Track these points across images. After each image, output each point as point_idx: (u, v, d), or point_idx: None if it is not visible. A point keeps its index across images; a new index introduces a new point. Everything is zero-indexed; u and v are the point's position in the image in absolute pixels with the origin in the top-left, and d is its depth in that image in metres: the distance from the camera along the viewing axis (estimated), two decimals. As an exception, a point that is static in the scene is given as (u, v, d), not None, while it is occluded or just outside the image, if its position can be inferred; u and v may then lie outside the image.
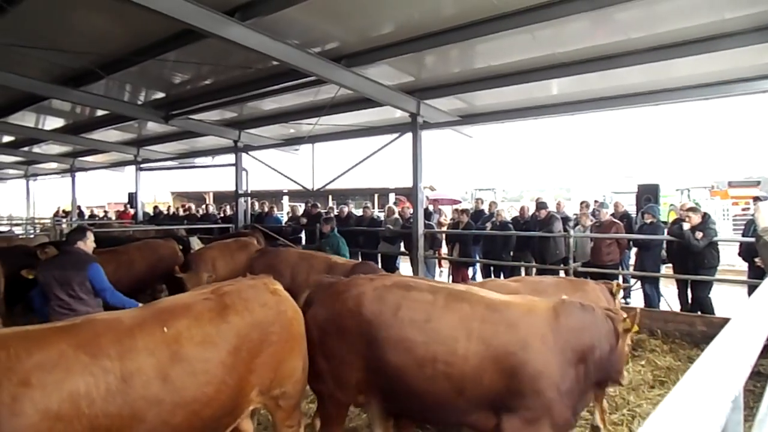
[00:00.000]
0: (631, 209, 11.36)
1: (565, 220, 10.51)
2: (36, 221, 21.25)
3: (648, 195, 10.22)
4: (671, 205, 17.35)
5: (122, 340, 2.52)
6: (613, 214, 10.02)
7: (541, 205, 10.27)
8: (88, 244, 4.99)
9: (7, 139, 16.30)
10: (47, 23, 6.74)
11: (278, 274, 6.28)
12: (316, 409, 3.74)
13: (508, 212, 12.53)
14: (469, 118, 10.61)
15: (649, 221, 8.72)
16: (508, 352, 3.00)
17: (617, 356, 3.30)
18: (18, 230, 19.77)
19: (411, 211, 10.54)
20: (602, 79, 7.79)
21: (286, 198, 21.97)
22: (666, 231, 8.53)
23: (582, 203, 11.30)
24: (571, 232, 9.25)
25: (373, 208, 17.65)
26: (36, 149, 17.57)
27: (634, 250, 9.77)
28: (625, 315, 3.36)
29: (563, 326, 3.09)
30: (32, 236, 14.31)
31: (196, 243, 9.57)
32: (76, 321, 2.64)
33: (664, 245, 8.52)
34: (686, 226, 7.62)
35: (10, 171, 23.45)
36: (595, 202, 12.90)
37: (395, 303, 3.19)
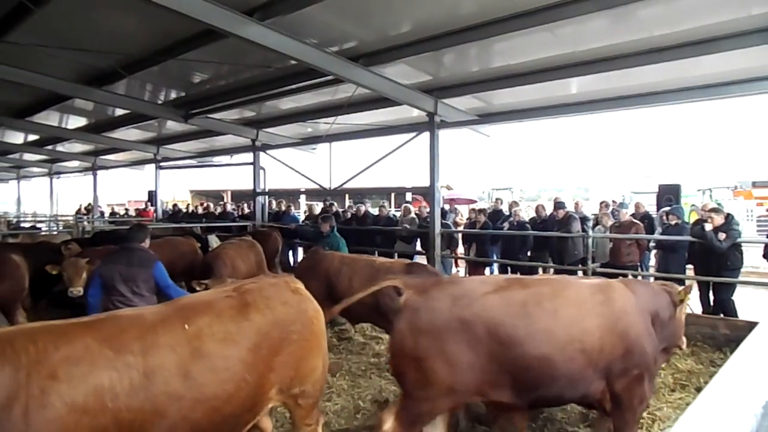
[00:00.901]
0: (651, 209, 11.20)
1: (584, 220, 10.40)
2: (59, 218, 21.66)
3: (669, 195, 10.08)
4: (693, 205, 17.07)
5: (145, 336, 2.56)
6: (633, 215, 9.89)
7: (559, 204, 10.17)
8: (147, 242, 5.14)
9: (32, 137, 16.63)
10: (71, 23, 6.88)
11: (318, 277, 6.34)
12: (395, 410, 3.43)
13: (525, 212, 12.45)
14: (487, 117, 10.56)
15: (674, 222, 8.56)
16: (619, 320, 3.52)
17: (676, 323, 4.03)
18: (41, 227, 20.19)
19: (428, 210, 10.52)
20: (623, 77, 7.69)
21: (303, 197, 22.09)
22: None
23: (601, 203, 11.18)
24: (590, 232, 9.15)
25: (390, 207, 17.63)
26: (59, 148, 17.94)
27: (654, 251, 9.62)
28: (680, 288, 4.13)
29: (639, 296, 3.74)
30: (55, 233, 14.59)
31: (214, 241, 9.67)
32: (101, 316, 2.69)
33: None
34: (708, 227, 7.48)
35: (35, 169, 23.95)
36: (613, 202, 12.76)
37: (521, 300, 3.42)
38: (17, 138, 16.88)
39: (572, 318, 3.43)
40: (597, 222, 9.98)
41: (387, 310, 5.18)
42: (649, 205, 11.59)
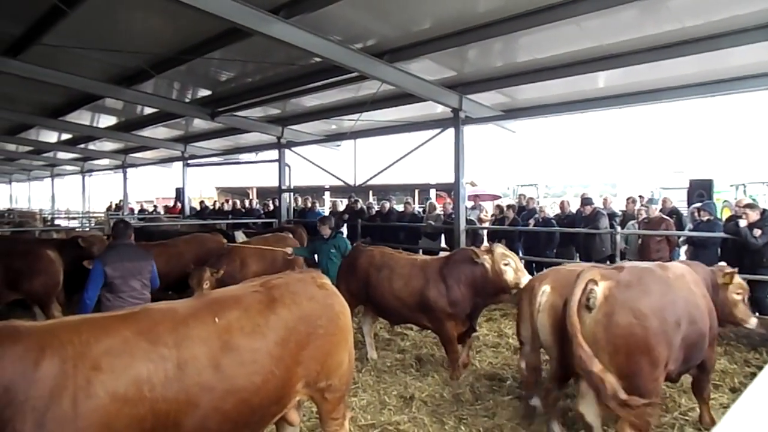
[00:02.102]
0: (681, 205, 10.94)
1: (612, 216, 10.22)
2: (91, 215, 22.24)
3: (701, 191, 9.84)
4: (725, 201, 16.59)
5: (178, 328, 2.63)
6: (661, 210, 9.68)
7: (586, 201, 10.01)
8: (132, 238, 5.22)
9: (65, 136, 17.11)
10: (102, 25, 7.05)
11: (357, 274, 6.35)
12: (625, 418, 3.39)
13: (551, 208, 12.28)
14: (512, 112, 10.46)
15: (705, 218, 8.34)
16: (707, 297, 4.11)
17: (722, 300, 4.46)
18: (74, 224, 20.78)
19: (452, 206, 10.48)
20: (653, 70, 7.51)
21: (327, 194, 22.21)
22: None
23: (628, 199, 10.96)
24: (618, 228, 8.99)
25: (414, 204, 17.60)
26: (91, 146, 18.45)
27: (683, 247, 9.40)
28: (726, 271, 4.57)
29: (699, 275, 4.25)
30: (87, 229, 14.99)
31: (240, 237, 9.80)
32: (135, 310, 2.76)
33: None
34: (743, 223, 7.28)
35: (68, 167, 24.64)
36: (641, 197, 12.49)
37: (691, 282, 3.99)
38: (51, 137, 17.40)
39: (700, 294, 3.97)
40: (630, 217, 9.77)
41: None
42: (679, 201, 11.35)
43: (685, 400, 5.07)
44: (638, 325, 3.38)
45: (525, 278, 5.43)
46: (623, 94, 8.93)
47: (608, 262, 8.75)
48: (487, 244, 11.11)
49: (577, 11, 5.81)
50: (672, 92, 8.40)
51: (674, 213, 9.88)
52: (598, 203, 10.71)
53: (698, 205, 9.14)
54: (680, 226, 9.29)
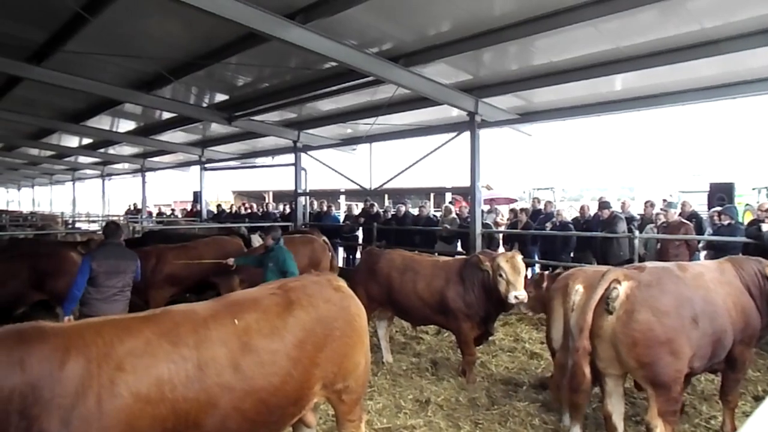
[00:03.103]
0: (701, 209, 10.77)
1: (630, 220, 10.09)
2: (110, 218, 22.59)
3: (721, 194, 9.67)
4: (747, 204, 16.28)
5: (198, 330, 2.67)
6: (680, 214, 9.53)
7: (603, 204, 9.90)
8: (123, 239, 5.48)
9: (86, 141, 17.43)
10: (124, 31, 7.18)
11: (377, 278, 6.40)
12: (656, 413, 3.65)
13: (568, 212, 12.17)
14: (528, 115, 10.40)
15: (726, 223, 8.20)
16: (744, 293, 4.13)
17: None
18: (94, 227, 21.11)
19: (468, 210, 10.45)
20: (672, 72, 7.43)
21: (342, 197, 22.28)
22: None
23: (647, 202, 10.81)
24: (636, 232, 8.88)
25: (430, 207, 17.59)
26: (111, 150, 18.73)
27: (703, 252, 9.24)
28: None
29: (744, 270, 4.25)
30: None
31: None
32: (156, 312, 2.81)
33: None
34: (766, 227, 7.14)
35: (88, 171, 25.09)
36: (663, 200, 12.32)
37: (711, 280, 4.03)
38: (72, 142, 17.74)
39: (727, 294, 4.01)
40: (649, 221, 9.63)
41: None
42: (699, 205, 11.15)
43: (706, 407, 5.00)
44: (656, 321, 3.60)
45: (516, 293, 5.36)
46: (641, 96, 8.84)
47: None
48: (503, 249, 11.13)
49: (595, 14, 5.78)
50: (691, 94, 8.29)
51: (694, 217, 9.71)
52: (615, 207, 10.59)
53: (719, 208, 8.98)
54: (700, 230, 9.13)
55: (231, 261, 6.93)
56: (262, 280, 6.34)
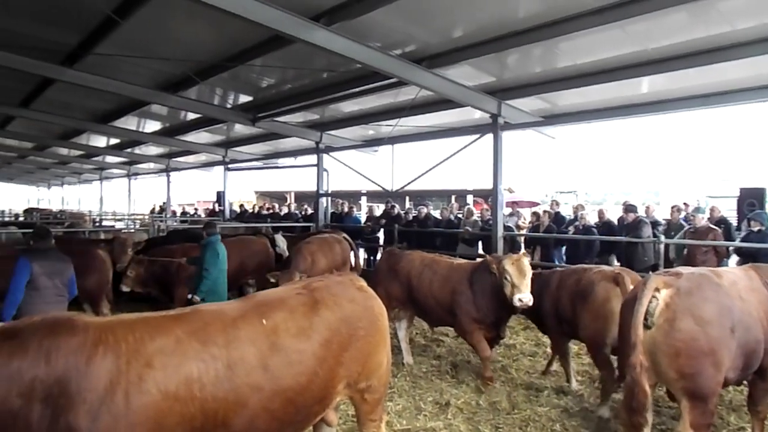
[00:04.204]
0: (730, 214, 10.51)
1: (654, 225, 9.91)
2: (135, 217, 23.04)
3: (752, 200, 9.41)
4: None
5: (227, 329, 2.70)
6: (709, 219, 9.33)
7: (629, 208, 9.74)
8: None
9: (113, 141, 17.83)
10: (152, 34, 7.36)
11: (398, 278, 6.48)
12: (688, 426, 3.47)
13: (591, 216, 12.00)
14: (552, 118, 10.31)
15: (756, 229, 7.99)
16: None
17: None
18: (120, 225, 21.55)
19: (490, 213, 10.39)
20: (700, 74, 7.31)
21: (364, 198, 22.32)
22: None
23: (673, 207, 10.59)
24: (662, 237, 8.72)
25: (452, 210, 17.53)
26: (137, 150, 19.12)
27: (734, 258, 9.01)
28: None
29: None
30: (132, 231, 15.54)
31: (280, 240, 9.99)
32: (186, 311, 2.86)
33: None
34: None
35: (115, 170, 25.64)
36: (685, 205, 12.07)
37: (745, 288, 3.88)
38: (100, 142, 18.17)
39: (759, 303, 3.84)
40: (677, 227, 9.43)
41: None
42: (728, 210, 10.88)
43: (735, 418, 4.89)
44: (700, 330, 3.45)
45: (521, 296, 5.27)
46: (668, 99, 8.70)
47: (651, 272, 8.48)
48: (525, 251, 11.05)
49: (622, 15, 5.71)
50: (720, 97, 8.12)
51: (722, 222, 9.50)
52: (639, 211, 10.41)
53: (750, 214, 8.76)
54: (729, 236, 8.93)
55: (183, 260, 7.12)
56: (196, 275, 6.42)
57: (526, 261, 5.48)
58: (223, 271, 6.38)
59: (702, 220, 9.02)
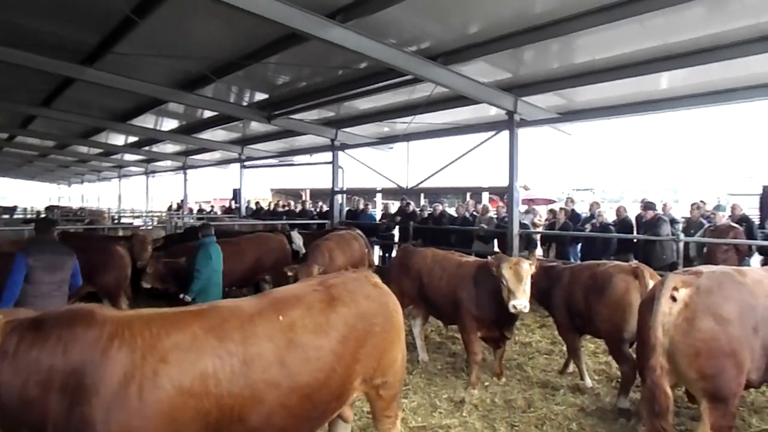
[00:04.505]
0: (753, 213, 10.31)
1: (673, 222, 9.77)
2: (153, 214, 23.33)
3: (775, 197, 9.22)
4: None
5: (244, 326, 2.72)
6: (730, 217, 9.16)
7: (648, 205, 9.61)
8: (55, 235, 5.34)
9: (131, 139, 18.05)
10: (170, 33, 7.42)
11: (410, 274, 6.49)
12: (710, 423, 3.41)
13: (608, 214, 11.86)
14: (569, 114, 10.20)
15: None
16: None
17: None
18: (138, 222, 21.84)
19: (505, 210, 10.33)
20: (722, 69, 7.15)
21: (379, 195, 22.33)
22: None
23: (693, 204, 10.43)
24: (681, 235, 8.59)
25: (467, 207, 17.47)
26: (155, 148, 19.35)
27: (756, 258, 8.85)
28: None
29: None
30: (150, 228, 15.74)
31: (297, 237, 10.05)
32: (204, 307, 2.88)
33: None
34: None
35: (133, 168, 25.98)
36: (702, 202, 11.86)
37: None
38: (119, 140, 18.41)
39: None
40: (697, 225, 9.29)
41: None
42: (750, 209, 10.67)
43: (757, 420, 4.80)
44: (721, 330, 3.37)
45: (516, 302, 5.06)
46: (688, 95, 8.54)
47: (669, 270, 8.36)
48: (541, 250, 10.96)
49: (641, 9, 5.62)
50: (743, 92, 7.94)
51: (744, 221, 9.32)
52: (658, 209, 10.27)
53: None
54: (751, 234, 8.76)
55: (182, 260, 7.19)
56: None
57: (525, 265, 5.24)
58: (217, 272, 6.54)
59: (723, 218, 8.87)
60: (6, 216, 20.88)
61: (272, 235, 9.47)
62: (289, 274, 6.99)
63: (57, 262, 4.91)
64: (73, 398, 2.31)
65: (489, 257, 5.84)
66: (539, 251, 11.41)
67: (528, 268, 5.25)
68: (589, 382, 5.69)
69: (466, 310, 5.77)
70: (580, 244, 10.46)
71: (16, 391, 2.35)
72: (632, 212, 11.15)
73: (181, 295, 6.38)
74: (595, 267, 5.53)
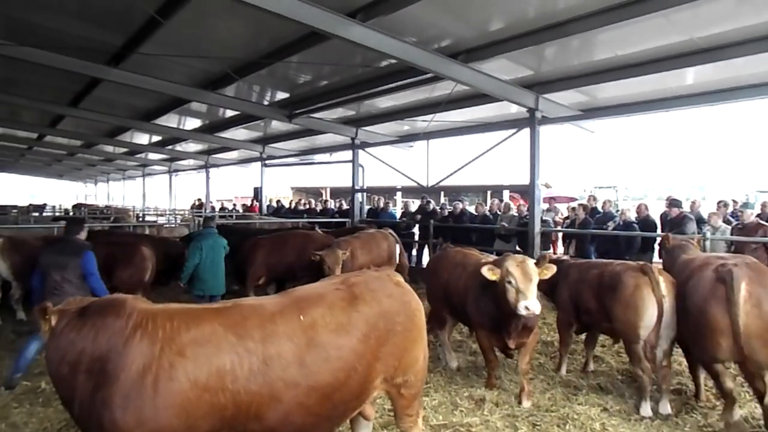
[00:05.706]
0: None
1: (699, 221, 9.58)
2: (176, 212, 23.70)
3: (806, 194, 8.96)
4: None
5: (265, 324, 2.75)
6: (759, 215, 8.95)
7: (674, 203, 9.45)
8: (83, 234, 5.63)
9: (155, 138, 18.38)
10: (193, 33, 7.53)
11: (437, 275, 6.35)
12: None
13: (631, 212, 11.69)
14: (592, 111, 10.08)
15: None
16: None
17: None
18: (161, 220, 22.20)
19: (527, 208, 10.25)
20: (751, 63, 7.00)
21: (399, 194, 22.32)
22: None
23: (719, 203, 10.21)
24: (708, 234, 8.42)
25: (487, 205, 17.39)
26: (178, 147, 19.67)
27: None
28: None
29: None
30: (174, 226, 15.99)
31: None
32: (227, 304, 2.93)
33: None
34: None
35: (157, 167, 26.43)
36: (734, 201, 11.59)
37: None
38: (143, 139, 18.75)
39: None
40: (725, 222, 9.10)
41: None
42: (780, 206, 10.39)
43: None
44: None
45: (527, 303, 4.51)
46: (715, 90, 8.37)
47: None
48: (562, 247, 10.81)
49: (666, 4, 5.53)
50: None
51: (774, 218, 9.10)
52: (684, 207, 10.08)
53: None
54: (781, 232, 8.54)
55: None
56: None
57: (531, 263, 4.77)
58: (213, 260, 6.98)
59: (751, 215, 8.67)
60: (36, 214, 21.45)
61: (316, 233, 9.60)
62: (317, 256, 7.15)
63: (58, 261, 5.21)
64: (96, 382, 2.47)
65: (496, 258, 5.37)
66: (560, 248, 11.31)
67: (534, 267, 4.76)
68: (564, 371, 5.96)
69: (471, 314, 5.44)
70: (595, 243, 10.28)
71: (54, 367, 2.61)
72: (657, 210, 10.96)
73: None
74: (602, 266, 5.51)
